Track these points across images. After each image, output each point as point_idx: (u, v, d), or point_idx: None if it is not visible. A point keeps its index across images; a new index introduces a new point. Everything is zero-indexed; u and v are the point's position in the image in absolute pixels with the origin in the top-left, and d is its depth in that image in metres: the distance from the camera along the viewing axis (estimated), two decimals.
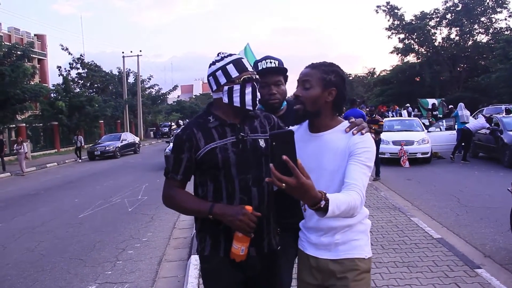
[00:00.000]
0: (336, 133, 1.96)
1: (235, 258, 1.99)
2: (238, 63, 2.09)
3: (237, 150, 2.06)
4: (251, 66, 2.17)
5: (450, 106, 21.62)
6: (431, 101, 22.69)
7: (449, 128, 15.37)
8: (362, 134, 1.90)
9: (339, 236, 1.93)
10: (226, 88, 2.07)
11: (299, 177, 1.49)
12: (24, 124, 25.54)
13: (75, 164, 22.02)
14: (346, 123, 1.99)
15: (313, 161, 1.92)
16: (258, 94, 2.10)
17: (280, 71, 2.51)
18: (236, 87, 2.06)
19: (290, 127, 2.09)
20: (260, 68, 2.51)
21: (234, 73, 2.06)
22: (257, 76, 2.13)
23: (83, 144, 23.42)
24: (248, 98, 2.06)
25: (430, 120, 19.32)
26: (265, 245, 2.14)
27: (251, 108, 2.08)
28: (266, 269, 2.18)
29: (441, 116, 20.77)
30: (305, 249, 2.05)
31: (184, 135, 2.08)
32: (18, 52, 23.62)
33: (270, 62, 2.51)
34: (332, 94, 1.95)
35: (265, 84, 2.47)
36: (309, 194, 1.54)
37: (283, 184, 1.50)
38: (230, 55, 2.13)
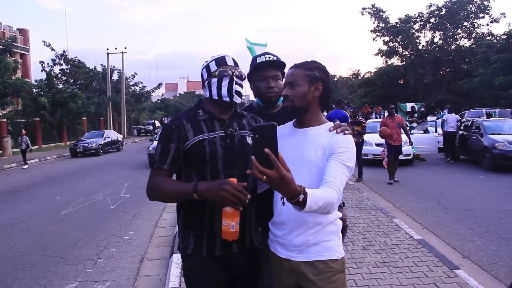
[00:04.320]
0: (320, 130, 2.01)
1: (227, 237, 1.91)
2: (219, 59, 2.16)
3: (225, 145, 2.08)
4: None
5: (422, 109, 21.82)
6: (409, 104, 22.86)
7: (424, 131, 15.55)
8: (344, 134, 1.95)
9: (311, 236, 1.94)
10: (206, 83, 2.15)
11: (279, 170, 1.52)
12: (5, 120, 25.12)
13: (56, 161, 21.72)
14: (330, 124, 2.04)
15: (294, 153, 1.97)
16: (237, 86, 2.11)
17: (278, 66, 2.52)
18: (214, 80, 2.12)
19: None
20: (258, 62, 2.53)
21: (213, 67, 2.14)
22: (239, 71, 2.15)
23: (30, 147, 19.42)
24: (224, 90, 2.09)
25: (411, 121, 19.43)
26: (247, 242, 2.15)
27: (227, 99, 2.10)
28: (250, 267, 2.19)
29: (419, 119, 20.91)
30: (277, 252, 2.05)
31: (173, 125, 2.09)
32: (0, 47, 23.25)
33: (269, 57, 2.52)
34: (318, 89, 2.01)
35: (263, 77, 2.50)
36: (288, 187, 1.56)
37: (264, 176, 1.52)
38: (219, 55, 2.20)
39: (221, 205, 1.90)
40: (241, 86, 2.15)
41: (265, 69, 2.50)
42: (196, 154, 2.05)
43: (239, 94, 2.12)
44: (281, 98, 2.60)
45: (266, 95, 2.51)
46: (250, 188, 2.14)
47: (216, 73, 2.12)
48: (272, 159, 1.51)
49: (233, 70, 2.12)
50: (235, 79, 2.11)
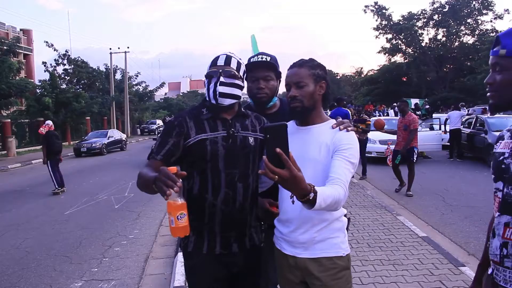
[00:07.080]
0: (323, 127, 2.02)
1: (172, 233, 1.70)
2: (213, 60, 2.15)
3: (226, 145, 2.09)
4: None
5: (427, 107, 21.68)
6: (413, 101, 22.71)
7: (430, 128, 15.52)
8: (347, 131, 1.97)
9: (316, 233, 1.95)
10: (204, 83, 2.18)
11: (291, 170, 1.51)
12: (9, 120, 25.18)
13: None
14: (333, 121, 2.06)
15: (298, 151, 1.96)
16: (222, 87, 2.07)
17: (270, 66, 2.49)
18: (206, 81, 2.14)
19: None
20: (251, 62, 2.52)
21: (208, 68, 2.15)
22: (228, 70, 2.10)
23: None
24: (210, 92, 2.10)
25: None
26: (246, 241, 2.16)
27: (213, 102, 2.09)
28: (250, 265, 2.20)
29: (423, 116, 20.78)
30: (283, 248, 2.06)
31: (176, 121, 2.11)
32: (4, 47, 23.32)
33: (262, 58, 2.51)
34: (323, 87, 2.04)
35: (254, 78, 2.48)
36: (299, 186, 1.55)
37: (276, 176, 1.52)
38: (218, 55, 2.18)
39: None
40: (232, 85, 2.09)
41: (256, 69, 2.48)
42: (197, 152, 2.06)
43: (225, 95, 2.08)
44: (275, 99, 2.59)
45: (256, 96, 2.51)
46: (252, 188, 2.15)
47: (206, 74, 2.13)
48: (284, 158, 1.50)
49: (220, 70, 2.09)
50: (221, 79, 2.07)
